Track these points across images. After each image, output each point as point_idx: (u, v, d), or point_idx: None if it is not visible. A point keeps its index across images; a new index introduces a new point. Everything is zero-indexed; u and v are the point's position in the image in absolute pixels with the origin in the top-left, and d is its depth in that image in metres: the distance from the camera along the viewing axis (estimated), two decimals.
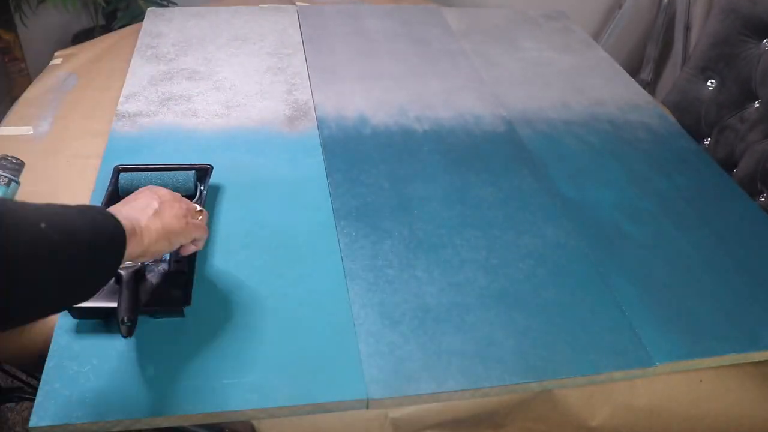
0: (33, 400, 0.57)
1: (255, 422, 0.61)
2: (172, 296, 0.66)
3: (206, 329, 0.65)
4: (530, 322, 0.70)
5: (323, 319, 0.67)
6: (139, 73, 1.07)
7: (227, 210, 0.80)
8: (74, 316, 0.63)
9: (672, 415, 0.69)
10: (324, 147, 0.94)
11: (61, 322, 0.64)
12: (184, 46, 1.17)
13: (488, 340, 0.67)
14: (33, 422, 0.55)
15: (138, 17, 1.76)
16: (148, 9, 1.30)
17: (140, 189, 0.63)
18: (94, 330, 0.63)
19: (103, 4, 1.88)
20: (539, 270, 0.76)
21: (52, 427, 0.55)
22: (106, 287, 0.66)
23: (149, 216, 0.57)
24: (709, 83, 1.28)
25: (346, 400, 0.60)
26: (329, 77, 1.12)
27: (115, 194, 0.77)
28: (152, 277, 0.68)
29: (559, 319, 0.70)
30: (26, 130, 0.95)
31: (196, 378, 0.60)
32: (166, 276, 0.68)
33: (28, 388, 1.04)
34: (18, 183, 0.80)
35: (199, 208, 0.67)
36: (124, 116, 0.96)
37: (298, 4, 1.40)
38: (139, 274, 0.67)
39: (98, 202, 0.76)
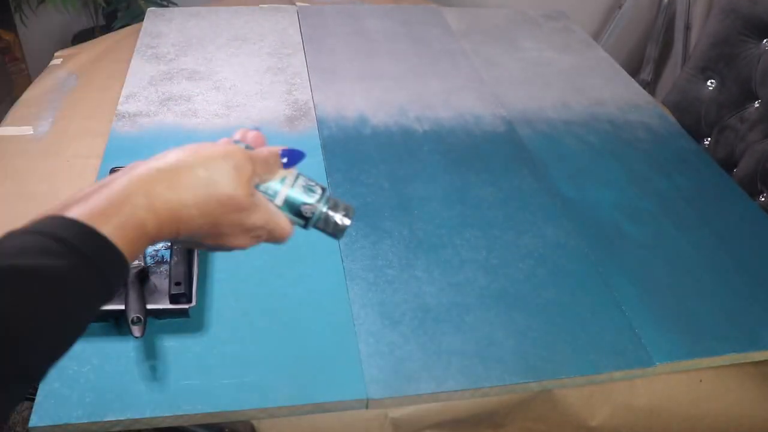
0: (33, 400, 0.57)
1: (255, 422, 0.61)
2: (175, 297, 0.66)
3: (206, 329, 0.65)
4: (530, 322, 0.70)
5: (323, 319, 0.67)
6: (139, 73, 1.07)
7: None
8: None
9: (672, 415, 0.69)
10: (324, 147, 0.94)
11: None
12: (184, 46, 1.17)
13: (488, 340, 0.67)
14: (33, 422, 0.55)
15: (138, 17, 1.76)
16: (148, 9, 1.30)
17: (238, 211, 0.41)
18: (94, 330, 0.63)
19: (104, 4, 1.88)
20: (539, 270, 0.76)
21: (52, 426, 0.55)
22: None
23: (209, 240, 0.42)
24: (709, 83, 1.28)
25: (345, 400, 0.60)
26: (329, 77, 1.12)
27: None
28: (155, 278, 0.68)
29: (559, 319, 0.70)
30: (26, 130, 0.95)
31: (196, 378, 0.60)
32: (168, 276, 0.68)
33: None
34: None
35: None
36: (124, 116, 0.96)
37: (298, 4, 1.40)
38: (143, 273, 0.67)
39: None
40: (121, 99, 1.00)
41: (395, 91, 1.10)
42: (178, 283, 0.66)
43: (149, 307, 0.63)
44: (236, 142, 0.45)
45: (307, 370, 0.62)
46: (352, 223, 0.48)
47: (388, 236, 0.79)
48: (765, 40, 1.18)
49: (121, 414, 0.56)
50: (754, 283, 0.79)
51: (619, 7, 1.92)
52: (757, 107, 1.18)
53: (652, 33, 1.96)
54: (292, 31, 1.27)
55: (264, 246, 0.74)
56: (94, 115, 0.99)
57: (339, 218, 0.48)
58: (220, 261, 0.72)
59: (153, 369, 0.60)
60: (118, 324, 0.64)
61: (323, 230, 0.49)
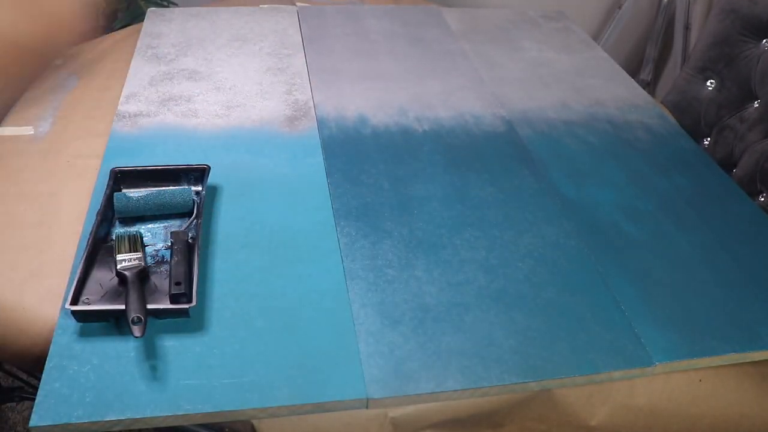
0: (33, 399, 0.57)
1: (255, 422, 0.62)
2: (177, 297, 0.66)
3: (206, 329, 0.65)
4: (530, 322, 0.70)
5: (323, 319, 0.67)
6: (140, 73, 1.07)
7: (227, 210, 0.80)
8: (78, 320, 0.64)
9: (671, 415, 0.69)
10: (324, 147, 0.94)
11: (61, 322, 0.64)
12: (185, 46, 1.17)
13: (488, 340, 0.67)
14: (33, 422, 0.55)
15: (138, 18, 1.76)
16: (149, 9, 1.31)
17: None
18: (94, 330, 0.63)
19: (104, 4, 1.88)
20: (539, 270, 0.77)
21: (52, 426, 0.55)
22: (108, 290, 0.66)
23: None
24: (708, 83, 1.28)
25: (345, 400, 0.60)
26: (329, 77, 1.12)
27: (112, 199, 0.76)
28: (155, 278, 0.68)
29: (559, 318, 0.71)
30: (26, 130, 0.95)
31: (196, 378, 0.60)
32: (168, 276, 0.68)
33: (29, 388, 1.04)
34: None
35: None
36: (124, 116, 0.96)
37: (298, 4, 1.40)
38: (143, 273, 0.67)
39: (98, 203, 0.76)
40: (121, 99, 1.00)
41: (395, 91, 1.10)
42: (178, 283, 0.66)
43: (149, 307, 0.63)
44: None
45: (307, 369, 0.62)
46: None
47: (388, 236, 0.79)
48: (765, 40, 1.18)
49: (121, 414, 0.56)
50: (753, 283, 0.79)
51: (619, 7, 1.92)
52: (756, 107, 1.19)
53: (651, 33, 1.96)
54: (292, 31, 1.27)
55: (264, 246, 0.75)
56: (94, 115, 0.99)
57: None
58: (220, 261, 0.73)
59: (153, 369, 0.60)
60: (118, 324, 0.64)
61: None
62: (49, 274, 0.71)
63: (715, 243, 0.85)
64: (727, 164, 1.21)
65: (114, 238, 0.72)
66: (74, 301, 0.63)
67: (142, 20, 1.26)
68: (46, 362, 0.60)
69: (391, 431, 0.64)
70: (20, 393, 1.07)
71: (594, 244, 0.82)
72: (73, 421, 0.55)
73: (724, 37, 1.24)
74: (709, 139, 1.28)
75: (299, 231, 0.78)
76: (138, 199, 0.76)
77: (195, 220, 0.75)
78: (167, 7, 1.85)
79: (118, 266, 0.67)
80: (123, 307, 0.62)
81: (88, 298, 0.65)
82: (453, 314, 0.70)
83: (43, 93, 1.05)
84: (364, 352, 0.64)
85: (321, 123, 0.99)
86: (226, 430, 0.64)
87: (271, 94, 1.05)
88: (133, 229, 0.74)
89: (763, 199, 1.13)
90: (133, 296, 0.63)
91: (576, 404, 0.67)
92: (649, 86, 2.00)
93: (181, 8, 1.33)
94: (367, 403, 0.61)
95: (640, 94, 1.19)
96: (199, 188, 0.81)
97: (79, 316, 0.63)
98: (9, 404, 1.33)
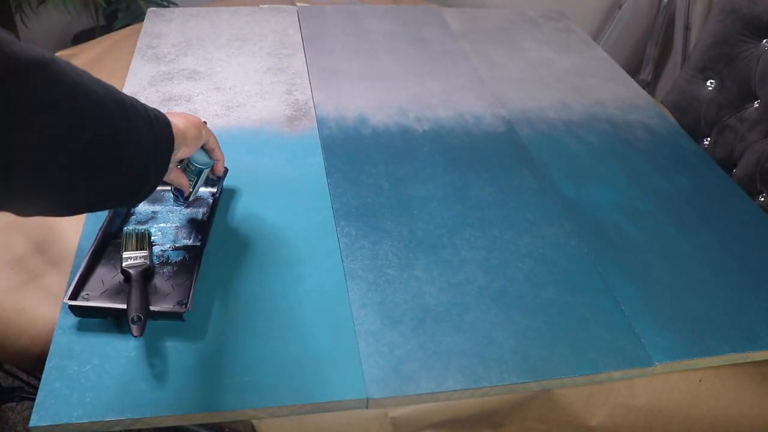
0: (34, 399, 0.57)
1: (255, 422, 0.61)
2: (173, 301, 0.66)
3: (206, 329, 0.65)
4: (530, 322, 0.70)
5: (323, 319, 0.67)
6: (140, 73, 1.07)
7: (227, 210, 0.80)
8: (76, 315, 0.64)
9: (671, 415, 0.69)
10: (324, 147, 0.94)
11: (61, 322, 0.64)
12: (185, 46, 1.17)
13: (488, 340, 0.67)
14: (33, 422, 0.55)
15: (138, 18, 1.76)
16: (149, 9, 1.31)
17: (200, 121, 0.68)
18: (95, 330, 0.63)
19: (104, 4, 1.88)
20: (539, 270, 0.77)
21: (52, 426, 0.55)
22: (110, 287, 0.66)
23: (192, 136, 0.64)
24: (708, 83, 1.28)
25: (345, 400, 0.60)
26: (329, 77, 1.12)
27: None
28: (158, 279, 0.68)
29: (559, 318, 0.71)
30: None
31: (196, 378, 0.60)
32: (170, 278, 0.68)
33: (29, 388, 1.04)
34: None
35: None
36: None
37: (298, 4, 1.40)
38: (147, 272, 0.67)
39: None
40: None
41: (395, 91, 1.10)
42: (178, 287, 0.66)
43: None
44: None
45: (307, 370, 0.62)
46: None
47: (388, 236, 0.79)
48: (765, 40, 1.18)
49: (121, 414, 0.56)
50: (753, 283, 0.79)
51: (619, 7, 1.92)
52: (756, 107, 1.19)
53: (651, 33, 1.97)
54: (292, 31, 1.27)
55: (264, 246, 0.75)
56: None
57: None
58: (220, 261, 0.73)
59: (153, 369, 0.60)
60: (119, 323, 0.64)
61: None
62: (49, 274, 0.71)
63: (715, 243, 0.85)
64: (727, 164, 1.21)
65: (122, 234, 0.71)
66: (74, 296, 0.63)
67: (142, 20, 1.26)
68: (46, 362, 0.60)
69: (391, 431, 0.64)
70: (20, 393, 1.07)
71: (594, 244, 0.82)
72: (73, 421, 0.55)
73: (724, 37, 1.24)
74: (709, 139, 1.28)
75: (299, 231, 0.78)
76: None
77: (206, 224, 0.75)
78: (167, 7, 1.85)
79: (123, 263, 0.67)
80: (120, 305, 0.62)
81: (88, 294, 0.65)
82: (453, 314, 0.70)
83: None
84: (364, 352, 0.64)
85: (321, 123, 0.99)
86: (226, 430, 0.64)
87: (271, 94, 1.05)
88: (143, 227, 0.74)
89: (763, 199, 1.14)
90: (135, 295, 0.63)
91: (576, 404, 0.67)
92: (649, 86, 2.00)
93: (181, 8, 1.33)
94: (367, 403, 0.61)
95: (640, 94, 1.19)
96: (214, 190, 0.81)
97: (77, 311, 0.63)
98: (9, 404, 1.33)
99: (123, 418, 0.56)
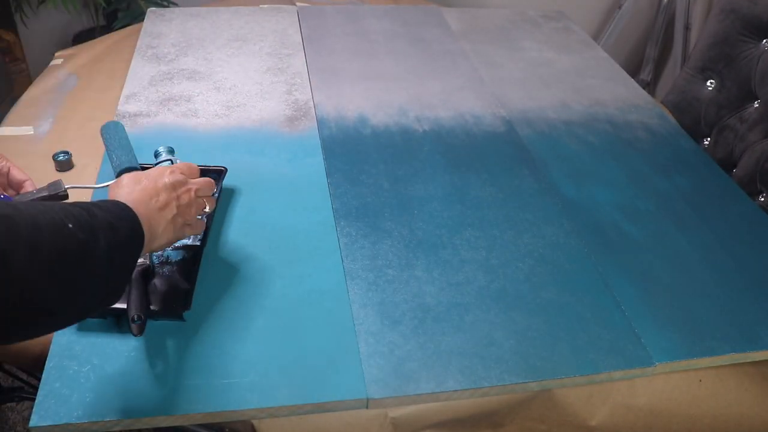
0: (34, 399, 0.57)
1: (255, 422, 0.61)
2: (173, 301, 0.66)
3: (206, 329, 0.65)
4: (530, 322, 0.70)
5: (323, 319, 0.67)
6: (140, 73, 1.07)
7: (227, 210, 0.80)
8: None
9: (671, 415, 0.69)
10: (324, 147, 0.94)
11: None
12: (185, 46, 1.17)
13: (488, 340, 0.67)
14: (33, 422, 0.55)
15: (138, 18, 1.76)
16: (149, 9, 1.31)
17: (159, 170, 0.62)
18: (94, 330, 0.63)
19: (104, 4, 1.88)
20: (539, 270, 0.77)
21: (52, 426, 0.55)
22: None
23: (162, 212, 0.58)
24: (708, 83, 1.28)
25: (346, 400, 0.60)
26: (329, 77, 1.12)
27: None
28: (157, 279, 0.68)
29: (559, 318, 0.71)
30: (27, 130, 0.95)
31: (196, 378, 0.60)
32: (170, 279, 0.68)
33: (29, 388, 1.04)
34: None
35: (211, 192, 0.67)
36: (124, 117, 0.96)
37: (298, 4, 1.40)
38: (147, 272, 0.67)
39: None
40: (121, 99, 1.00)
41: (395, 91, 1.10)
42: (178, 287, 0.66)
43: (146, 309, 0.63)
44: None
45: (307, 369, 0.62)
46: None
47: (388, 236, 0.79)
48: (765, 41, 1.18)
49: (121, 414, 0.56)
50: (753, 283, 0.79)
51: (619, 7, 1.92)
52: (756, 107, 1.18)
53: (651, 33, 1.96)
54: (292, 31, 1.27)
55: (264, 246, 0.75)
56: (94, 115, 0.99)
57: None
58: (220, 261, 0.73)
59: (153, 369, 0.60)
60: (119, 323, 0.64)
61: None
62: None
63: (715, 243, 0.85)
64: (727, 164, 1.21)
65: None
66: None
67: (142, 20, 1.26)
68: (46, 362, 0.60)
69: (391, 431, 0.64)
70: (20, 393, 1.06)
71: (594, 244, 0.82)
72: (73, 421, 0.55)
73: (724, 37, 1.24)
74: (709, 139, 1.28)
75: (299, 231, 0.78)
76: (110, 142, 0.76)
77: (205, 223, 0.75)
78: (167, 7, 1.85)
79: None
80: (120, 305, 0.62)
81: None
82: (453, 314, 0.69)
83: (44, 93, 1.05)
84: (364, 352, 0.64)
85: (321, 123, 0.99)
86: (226, 430, 0.64)
87: (271, 94, 1.05)
88: None
89: (763, 199, 1.13)
90: (135, 294, 0.63)
91: (576, 404, 0.67)
92: (649, 86, 2.00)
93: (181, 8, 1.33)
94: (367, 403, 0.61)
95: (640, 94, 1.19)
96: (214, 189, 0.81)
97: None
98: (9, 404, 1.33)
99: (123, 418, 0.56)
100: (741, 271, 0.80)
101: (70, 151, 0.89)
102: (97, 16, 1.96)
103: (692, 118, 1.29)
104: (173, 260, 0.71)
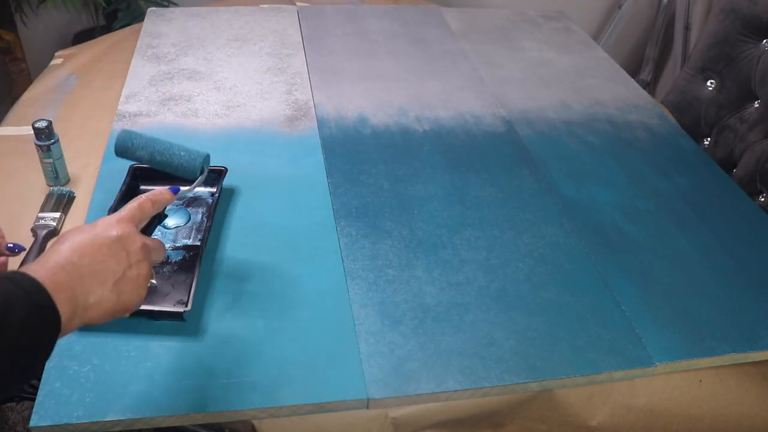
0: (34, 399, 0.57)
1: (255, 422, 0.61)
2: (173, 300, 0.66)
3: (207, 329, 0.65)
4: (530, 322, 0.70)
5: (323, 319, 0.67)
6: (140, 73, 1.07)
7: (227, 210, 0.80)
8: None
9: (672, 415, 0.69)
10: (324, 147, 0.94)
11: None
12: (185, 46, 1.17)
13: (488, 340, 0.67)
14: (34, 422, 0.55)
15: (138, 17, 1.76)
16: (149, 9, 1.31)
17: (112, 236, 0.49)
18: (95, 330, 0.63)
19: (104, 4, 1.88)
20: (539, 270, 0.77)
21: (52, 426, 0.55)
22: None
23: (105, 288, 0.47)
24: (708, 83, 1.28)
25: (346, 400, 0.60)
26: (329, 77, 1.12)
27: (128, 194, 0.75)
28: (157, 278, 0.68)
29: (559, 318, 0.71)
30: (26, 130, 0.95)
31: (196, 378, 0.60)
32: (170, 278, 0.68)
33: (29, 388, 1.04)
34: None
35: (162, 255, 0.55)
36: (124, 116, 0.96)
37: (298, 4, 1.40)
38: None
39: (99, 201, 0.76)
40: (121, 99, 1.00)
41: (395, 91, 1.10)
42: (177, 287, 0.66)
43: (145, 308, 0.63)
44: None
45: (307, 369, 0.62)
46: None
47: (388, 236, 0.79)
48: (765, 41, 1.18)
49: (121, 414, 0.56)
50: (754, 283, 0.79)
51: (619, 7, 1.92)
52: (756, 107, 1.19)
53: (651, 33, 1.96)
54: (292, 31, 1.27)
55: (264, 246, 0.75)
56: (94, 115, 0.99)
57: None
58: (220, 260, 0.73)
59: (153, 369, 0.60)
60: (119, 323, 0.64)
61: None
62: None
63: (715, 243, 0.85)
64: (727, 164, 1.21)
65: None
66: None
67: (142, 20, 1.26)
68: (46, 362, 0.60)
69: (391, 431, 0.64)
70: (20, 393, 1.06)
71: (594, 244, 0.82)
72: (73, 421, 0.55)
73: (724, 37, 1.24)
74: (709, 139, 1.28)
75: (299, 231, 0.78)
76: (142, 143, 0.70)
77: (206, 223, 0.75)
78: (167, 7, 1.85)
79: None
80: None
81: None
82: (453, 314, 0.69)
83: (44, 93, 1.05)
84: (365, 352, 0.64)
85: (321, 123, 0.99)
86: (226, 430, 0.64)
87: (271, 94, 1.05)
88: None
89: (763, 199, 1.13)
90: None
91: (576, 404, 0.67)
92: (649, 86, 2.00)
93: (181, 8, 1.33)
94: (367, 404, 0.61)
95: (640, 94, 1.19)
96: (214, 190, 0.81)
97: None
98: (9, 404, 1.32)
99: (123, 418, 0.56)
100: (741, 271, 0.80)
101: (71, 151, 0.89)
102: (97, 16, 1.96)
103: (692, 118, 1.29)
104: (173, 260, 0.71)
